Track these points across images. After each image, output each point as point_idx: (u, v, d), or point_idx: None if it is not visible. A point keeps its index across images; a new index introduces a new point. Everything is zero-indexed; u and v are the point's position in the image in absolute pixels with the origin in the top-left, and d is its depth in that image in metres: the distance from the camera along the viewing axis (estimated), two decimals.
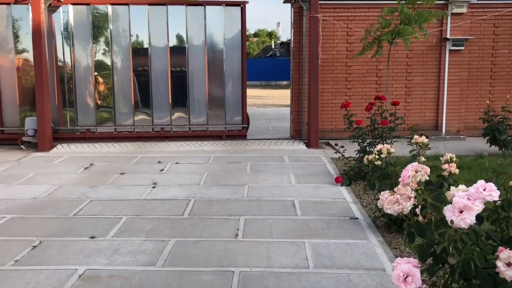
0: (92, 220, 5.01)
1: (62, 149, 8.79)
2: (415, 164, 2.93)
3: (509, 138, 7.86)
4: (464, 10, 9.42)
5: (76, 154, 8.44)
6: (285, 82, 34.83)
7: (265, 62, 39.74)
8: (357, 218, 5.09)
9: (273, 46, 54.60)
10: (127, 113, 9.67)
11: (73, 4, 9.26)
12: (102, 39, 9.48)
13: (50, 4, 8.90)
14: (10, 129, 9.39)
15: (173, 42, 9.63)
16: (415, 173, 2.90)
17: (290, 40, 35.13)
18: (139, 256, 4.11)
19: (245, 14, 9.53)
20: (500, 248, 2.32)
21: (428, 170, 2.91)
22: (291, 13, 9.57)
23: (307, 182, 6.56)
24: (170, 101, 9.67)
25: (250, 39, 68.99)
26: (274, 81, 35.72)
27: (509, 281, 2.23)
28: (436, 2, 8.39)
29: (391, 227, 4.76)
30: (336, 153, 7.29)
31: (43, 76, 8.62)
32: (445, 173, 3.47)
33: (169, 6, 9.49)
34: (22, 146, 8.87)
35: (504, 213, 2.64)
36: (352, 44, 9.61)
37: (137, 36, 9.58)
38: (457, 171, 3.51)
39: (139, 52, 9.59)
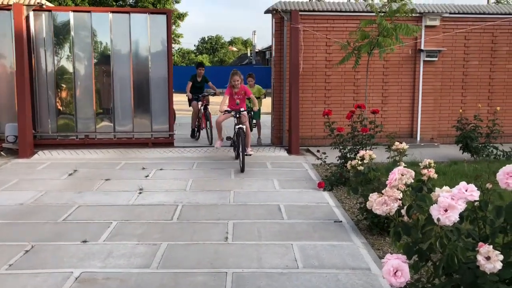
0: (82, 225, 5.07)
1: (43, 156, 8.74)
2: (400, 168, 3.15)
3: (480, 145, 8.25)
4: (437, 23, 9.85)
5: (58, 161, 8.42)
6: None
7: (241, 70, 39.96)
8: (341, 221, 5.30)
9: (248, 55, 55.01)
10: (51, 119, 9.49)
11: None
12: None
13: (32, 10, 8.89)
14: None
15: (97, 49, 9.62)
16: (401, 176, 3.12)
17: (265, 49, 34.96)
18: (133, 259, 4.20)
19: (170, 22, 9.67)
20: (480, 243, 2.53)
21: (413, 173, 3.13)
22: (272, 23, 9.82)
23: (291, 187, 6.75)
24: (95, 108, 9.57)
25: (229, 48, 69.28)
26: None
27: (488, 273, 2.44)
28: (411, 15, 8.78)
29: (373, 230, 4.98)
30: (318, 159, 7.52)
31: (24, 83, 8.59)
32: (424, 178, 3.71)
33: (93, 13, 9.49)
34: (1, 153, 8.78)
35: (481, 212, 2.87)
36: (331, 54, 9.91)
37: (61, 43, 9.47)
38: (435, 175, 3.74)
39: (63, 59, 9.51)
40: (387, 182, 3.09)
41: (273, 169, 7.97)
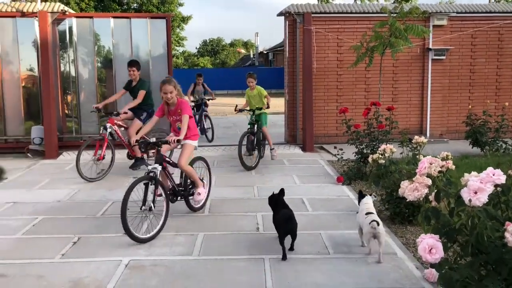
0: (120, 219, 5.36)
1: (68, 157, 9.06)
2: (429, 157, 3.46)
3: (490, 140, 8.55)
4: (444, 22, 10.16)
5: (83, 161, 8.70)
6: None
7: (243, 71, 40.32)
8: None
9: (251, 56, 55.37)
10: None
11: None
12: None
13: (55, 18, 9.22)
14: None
15: (100, 54, 9.94)
16: (430, 164, 3.42)
17: (269, 50, 35.20)
18: (174, 247, 4.52)
19: (169, 26, 9.99)
20: (507, 222, 2.84)
21: (440, 162, 3.44)
22: (285, 25, 10.13)
23: (310, 182, 7.06)
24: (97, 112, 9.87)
25: (238, 49, 69.54)
26: None
27: None
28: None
29: (395, 219, 5.28)
30: (334, 156, 7.82)
31: (50, 87, 8.91)
32: (443, 169, 4.01)
33: (95, 19, 9.80)
34: (28, 154, 9.11)
35: (504, 197, 3.17)
36: (342, 54, 10.22)
37: (65, 47, 9.78)
38: (453, 167, 4.05)
39: (68, 64, 9.81)
40: (417, 170, 3.40)
41: (290, 165, 8.28)
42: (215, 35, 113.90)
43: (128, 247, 4.53)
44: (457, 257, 3.21)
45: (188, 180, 5.58)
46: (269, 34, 73.89)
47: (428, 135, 10.56)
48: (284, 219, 4.36)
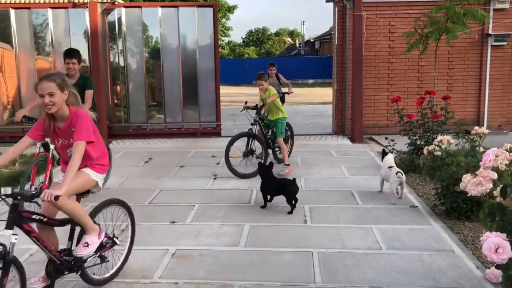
0: (167, 208, 5.39)
1: (118, 145, 9.25)
2: (494, 149, 3.19)
3: None
4: (506, 6, 9.52)
5: (131, 150, 8.89)
6: (311, 81, 35.03)
7: (289, 61, 39.95)
8: (417, 206, 5.34)
9: (297, 45, 54.80)
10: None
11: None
12: None
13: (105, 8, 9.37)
14: None
15: (148, 43, 9.99)
16: (495, 157, 3.15)
17: (315, 38, 34.60)
18: (221, 238, 4.46)
19: (216, 15, 9.83)
20: None
21: (507, 154, 3.16)
22: (334, 12, 9.84)
23: (360, 174, 6.82)
24: (145, 100, 9.99)
25: (284, 38, 69.08)
26: (300, 79, 35.90)
27: None
28: None
29: (451, 214, 4.98)
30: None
31: (99, 77, 9.09)
32: (507, 161, 3.71)
33: (143, 8, 9.80)
34: None
35: None
36: (394, 42, 9.81)
37: (114, 38, 9.90)
38: None
39: (117, 54, 9.94)
40: (481, 163, 3.14)
41: (338, 157, 8.06)
42: (260, 24, 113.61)
43: (175, 236, 4.51)
44: None
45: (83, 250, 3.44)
46: (316, 22, 72.83)
47: (485, 126, 9.99)
48: (290, 183, 5.23)
